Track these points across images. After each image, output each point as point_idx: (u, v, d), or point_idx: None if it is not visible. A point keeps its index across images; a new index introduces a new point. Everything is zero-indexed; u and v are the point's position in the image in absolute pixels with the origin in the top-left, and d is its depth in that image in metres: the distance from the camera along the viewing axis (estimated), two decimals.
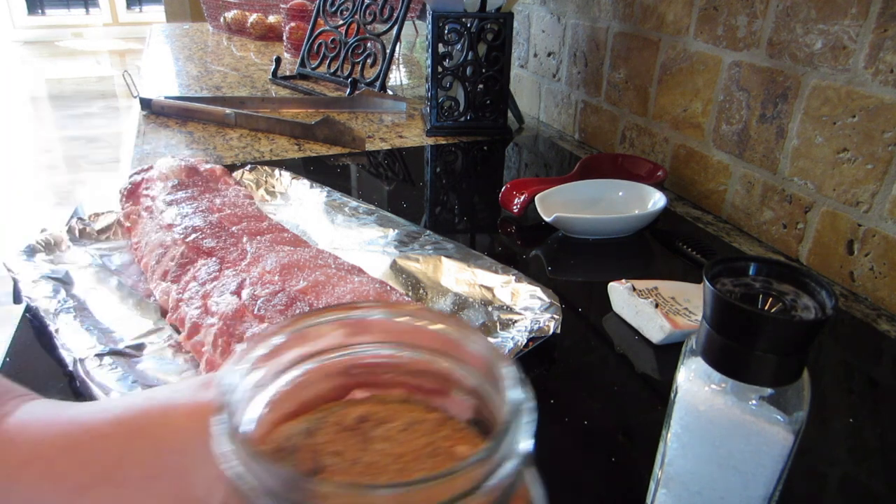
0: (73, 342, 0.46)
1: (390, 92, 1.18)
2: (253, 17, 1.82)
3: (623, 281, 0.55)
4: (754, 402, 0.28)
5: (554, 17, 1.07)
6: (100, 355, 0.44)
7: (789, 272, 0.28)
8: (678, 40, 0.81)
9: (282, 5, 1.59)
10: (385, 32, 1.16)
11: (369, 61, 1.21)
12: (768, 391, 0.28)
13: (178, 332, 0.49)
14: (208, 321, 0.46)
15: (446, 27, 0.96)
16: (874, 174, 0.59)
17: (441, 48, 0.98)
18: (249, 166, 0.78)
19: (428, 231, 0.65)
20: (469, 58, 0.97)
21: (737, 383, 0.28)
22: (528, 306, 0.52)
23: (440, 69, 0.99)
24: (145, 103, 1.08)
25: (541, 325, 0.48)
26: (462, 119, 1.03)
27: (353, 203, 0.71)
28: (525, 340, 0.47)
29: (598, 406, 0.44)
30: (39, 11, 6.46)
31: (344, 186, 0.80)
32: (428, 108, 1.04)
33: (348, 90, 1.17)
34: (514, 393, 0.20)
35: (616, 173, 0.79)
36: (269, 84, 1.32)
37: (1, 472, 0.24)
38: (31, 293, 0.52)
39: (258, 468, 0.18)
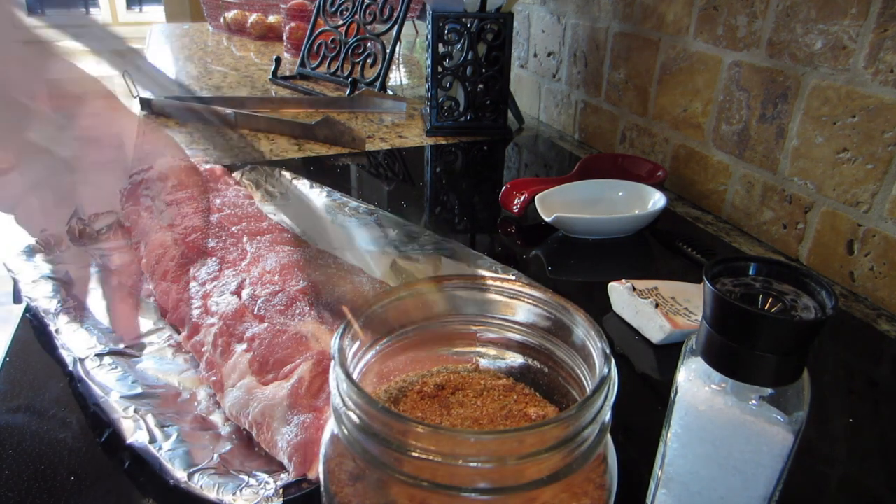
0: (73, 342, 0.46)
1: (390, 92, 1.18)
2: (253, 17, 1.82)
3: (623, 281, 0.55)
4: (754, 402, 0.28)
5: (554, 17, 1.07)
6: (100, 355, 0.44)
7: (789, 272, 0.28)
8: (678, 40, 0.81)
9: (282, 5, 1.59)
10: (385, 32, 1.16)
11: (369, 61, 1.21)
12: (768, 391, 0.28)
13: (178, 332, 0.49)
14: (208, 321, 0.46)
15: (446, 27, 0.96)
16: (874, 174, 0.59)
17: (441, 48, 0.98)
18: (249, 166, 0.78)
19: (428, 231, 0.65)
20: (469, 58, 0.97)
21: (737, 383, 0.28)
22: None
23: (440, 69, 0.99)
24: (145, 103, 1.08)
25: None
26: (462, 119, 1.03)
27: (353, 203, 0.71)
28: None
29: None
30: (39, 11, 6.46)
31: (344, 186, 0.80)
32: (428, 108, 1.04)
33: (348, 90, 1.17)
34: (602, 367, 0.22)
35: (616, 173, 0.79)
36: (269, 84, 1.32)
37: None
38: (31, 293, 0.52)
39: (366, 406, 0.20)
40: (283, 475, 0.36)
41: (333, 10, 1.26)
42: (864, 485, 0.40)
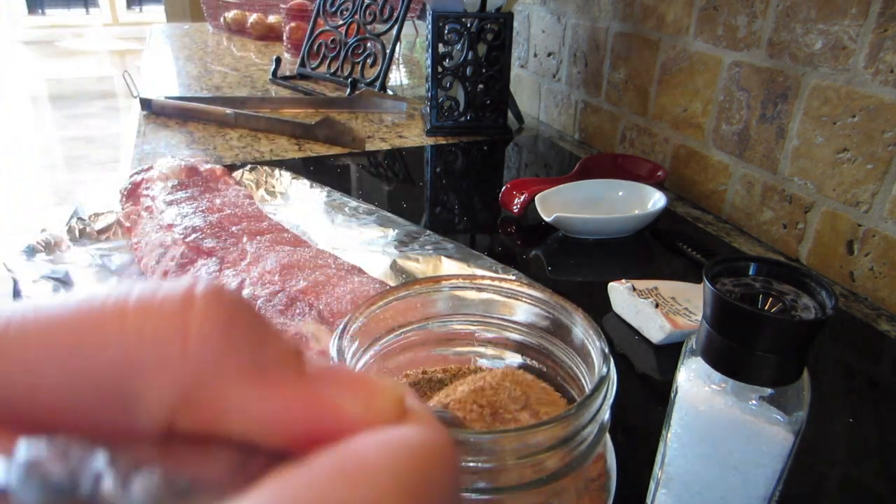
0: None
1: (390, 92, 1.18)
2: (253, 17, 1.82)
3: (623, 281, 0.55)
4: (754, 402, 0.28)
5: (554, 17, 1.07)
6: None
7: (789, 272, 0.28)
8: (678, 40, 0.81)
9: (282, 5, 1.59)
10: (385, 32, 1.16)
11: (369, 61, 1.21)
12: (768, 391, 0.28)
13: None
14: None
15: (446, 27, 0.96)
16: (874, 174, 0.59)
17: (441, 48, 0.98)
18: (249, 166, 0.78)
19: (428, 231, 0.65)
20: (469, 58, 0.97)
21: (737, 383, 0.28)
22: None
23: (440, 69, 0.99)
24: (145, 103, 1.08)
25: None
26: (462, 119, 1.03)
27: (353, 203, 0.71)
28: None
29: None
30: (39, 11, 6.46)
31: (344, 186, 0.80)
32: (428, 108, 1.04)
33: (348, 90, 1.17)
34: (601, 366, 0.22)
35: (616, 173, 0.79)
36: (269, 84, 1.32)
37: None
38: (31, 293, 0.52)
39: None
40: None
41: (333, 10, 1.26)
42: (864, 485, 0.40)
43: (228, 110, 1.03)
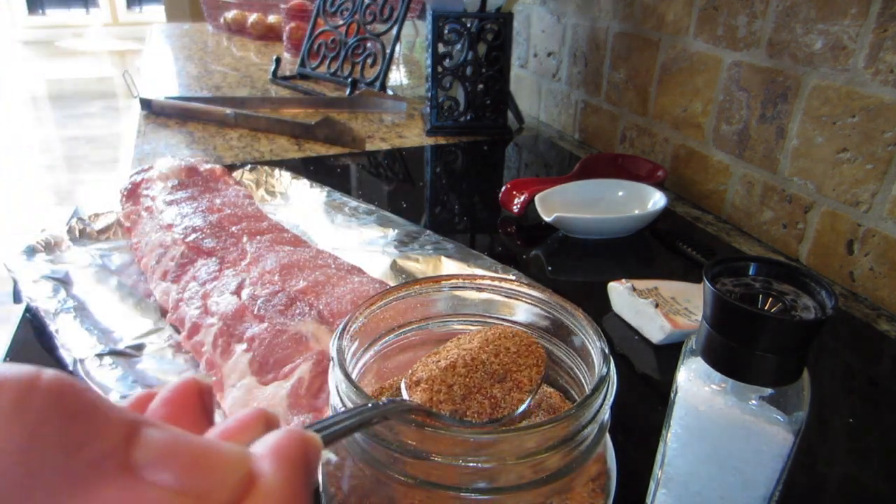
0: (73, 342, 0.46)
1: (390, 92, 1.18)
2: (253, 17, 1.82)
3: (623, 281, 0.55)
4: (754, 402, 0.28)
5: (554, 17, 1.07)
6: (100, 355, 0.44)
7: (789, 272, 0.28)
8: (678, 40, 0.81)
9: (282, 5, 1.59)
10: (385, 32, 1.16)
11: (369, 61, 1.21)
12: (768, 391, 0.28)
13: (178, 332, 0.49)
14: (208, 321, 0.46)
15: (446, 27, 0.96)
16: (874, 174, 0.59)
17: (441, 48, 0.98)
18: (249, 166, 0.78)
19: (428, 231, 0.65)
20: (469, 58, 0.97)
21: (737, 383, 0.28)
22: None
23: (440, 69, 0.99)
24: (145, 103, 1.08)
25: None
26: (462, 119, 1.03)
27: (353, 203, 0.71)
28: None
29: None
30: (39, 11, 6.46)
31: (344, 186, 0.80)
32: (428, 108, 1.04)
33: (348, 90, 1.17)
34: (601, 366, 0.22)
35: (616, 173, 0.79)
36: (269, 84, 1.32)
37: None
38: (31, 293, 0.52)
39: (359, 400, 0.20)
40: None
41: (333, 10, 1.26)
42: (864, 485, 0.40)
43: (228, 110, 1.03)
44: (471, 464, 0.20)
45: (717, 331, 0.27)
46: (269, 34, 1.81)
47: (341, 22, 1.24)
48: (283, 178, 0.77)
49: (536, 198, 0.71)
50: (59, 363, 0.46)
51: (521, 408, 0.24)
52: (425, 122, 1.07)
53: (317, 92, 1.24)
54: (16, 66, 5.35)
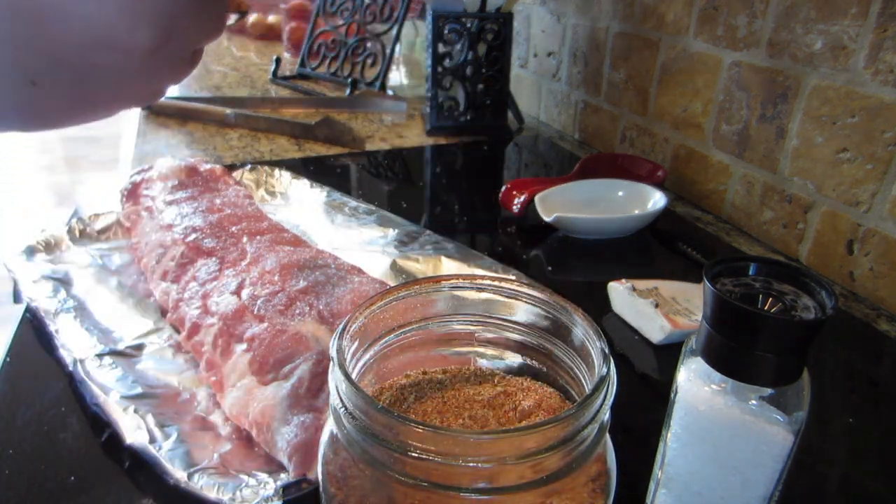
0: (73, 342, 0.46)
1: (390, 92, 1.18)
2: (253, 17, 1.82)
3: (623, 281, 0.55)
4: (754, 402, 0.28)
5: (554, 17, 1.07)
6: (100, 355, 0.44)
7: (789, 272, 0.28)
8: (678, 40, 0.81)
9: (282, 5, 1.59)
10: (385, 32, 1.16)
11: (369, 61, 1.21)
12: (768, 391, 0.28)
13: (178, 332, 0.49)
14: (208, 321, 0.46)
15: (446, 27, 0.96)
16: (874, 174, 0.59)
17: (441, 48, 0.98)
18: (249, 166, 0.78)
19: (428, 231, 0.65)
20: (469, 58, 0.97)
21: (737, 383, 0.28)
22: None
23: (440, 69, 0.99)
24: None
25: None
26: (462, 119, 1.03)
27: (353, 203, 0.71)
28: None
29: None
30: None
31: (344, 186, 0.80)
32: (428, 108, 1.04)
33: (348, 90, 1.17)
34: (601, 366, 0.22)
35: (616, 173, 0.79)
36: (269, 84, 1.32)
37: None
38: (31, 293, 0.52)
39: (365, 407, 0.20)
40: (282, 475, 0.36)
41: (333, 10, 1.26)
42: (864, 485, 0.40)
43: (228, 110, 1.03)
44: (471, 464, 0.20)
45: (717, 331, 0.27)
46: (269, 34, 1.81)
47: (341, 22, 1.24)
48: (283, 178, 0.77)
49: (536, 198, 0.71)
50: (59, 363, 0.46)
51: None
52: (425, 122, 1.07)
53: (317, 92, 1.24)
54: None
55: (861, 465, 0.41)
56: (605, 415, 0.23)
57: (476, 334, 0.30)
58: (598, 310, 0.56)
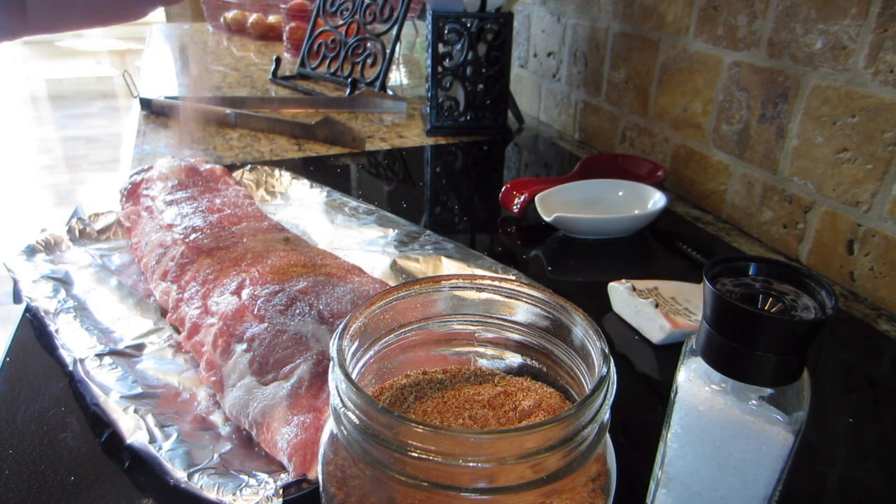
0: (73, 342, 0.46)
1: (390, 92, 1.18)
2: (253, 17, 1.82)
3: (623, 281, 0.55)
4: (754, 402, 0.28)
5: (554, 17, 1.07)
6: (100, 355, 0.44)
7: (789, 272, 0.28)
8: (678, 40, 0.81)
9: (282, 5, 1.59)
10: (385, 32, 1.16)
11: (369, 61, 1.21)
12: (768, 391, 0.28)
13: (178, 332, 0.49)
14: (208, 321, 0.46)
15: (446, 27, 0.96)
16: (874, 174, 0.59)
17: (441, 48, 0.98)
18: (249, 166, 0.78)
19: (428, 231, 0.65)
20: (469, 58, 0.97)
21: (737, 383, 0.28)
22: None
23: (440, 69, 0.99)
24: (145, 103, 1.08)
25: None
26: (462, 119, 1.03)
27: (353, 203, 0.71)
28: None
29: None
30: None
31: (344, 186, 0.80)
32: (428, 108, 1.04)
33: (348, 90, 1.17)
34: (601, 366, 0.22)
35: (616, 173, 0.79)
36: (269, 84, 1.32)
37: None
38: (31, 293, 0.52)
39: (365, 406, 0.20)
40: (282, 475, 0.36)
41: (333, 10, 1.26)
42: (864, 485, 0.40)
43: (228, 110, 1.03)
44: (471, 464, 0.20)
45: (717, 331, 0.27)
46: (269, 34, 1.81)
47: (341, 22, 1.24)
48: (283, 178, 0.77)
49: (536, 198, 0.71)
50: (59, 363, 0.46)
51: None
52: (425, 122, 1.07)
53: (317, 92, 1.24)
54: (16, 65, 5.35)
55: (861, 465, 0.41)
56: (605, 415, 0.23)
57: (476, 334, 0.30)
58: (598, 310, 0.56)
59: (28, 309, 0.51)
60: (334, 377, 0.23)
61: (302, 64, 1.33)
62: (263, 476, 0.35)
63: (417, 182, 0.88)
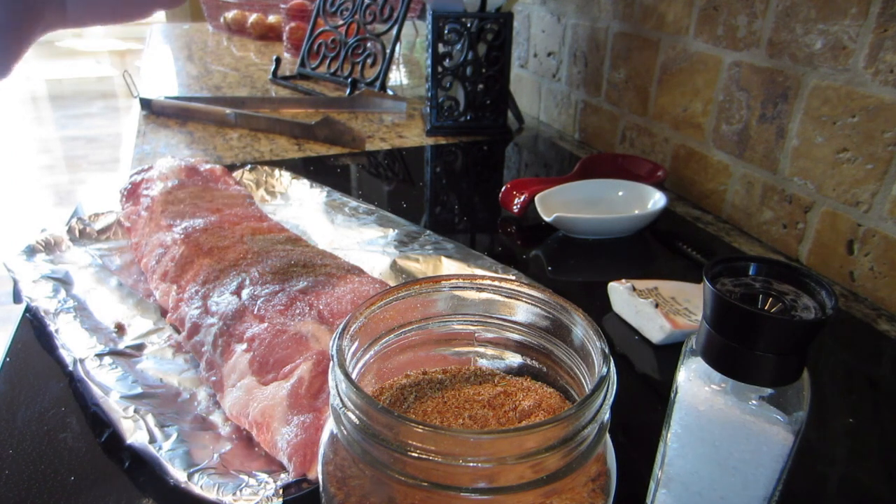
0: (73, 342, 0.46)
1: (390, 92, 1.18)
2: (253, 17, 1.82)
3: (623, 281, 0.55)
4: (754, 402, 0.28)
5: (554, 17, 1.07)
6: (100, 355, 0.44)
7: (789, 272, 0.28)
8: (678, 40, 0.81)
9: (282, 5, 1.59)
10: (385, 32, 1.16)
11: (369, 61, 1.21)
12: (768, 391, 0.28)
13: (178, 332, 0.49)
14: (208, 321, 0.46)
15: (446, 27, 0.96)
16: (874, 174, 0.59)
17: (441, 48, 0.98)
18: (249, 166, 0.78)
19: (428, 231, 0.65)
20: (469, 58, 0.97)
21: (737, 383, 0.28)
22: None
23: (440, 69, 0.99)
24: (145, 103, 1.08)
25: None
26: (462, 119, 1.03)
27: (353, 203, 0.71)
28: None
29: None
30: None
31: (344, 186, 0.80)
32: (428, 108, 1.04)
33: (348, 90, 1.17)
34: (601, 366, 0.22)
35: (616, 173, 0.79)
36: (269, 84, 1.32)
37: None
38: (31, 293, 0.52)
39: (365, 406, 0.20)
40: (282, 475, 0.36)
41: (333, 10, 1.26)
42: (864, 485, 0.40)
43: (228, 110, 1.03)
44: (471, 464, 0.20)
45: (717, 331, 0.27)
46: (269, 34, 1.81)
47: (341, 22, 1.24)
48: (283, 178, 0.77)
49: (536, 198, 0.71)
50: (59, 363, 0.46)
51: None
52: (425, 122, 1.07)
53: (317, 92, 1.24)
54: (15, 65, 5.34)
55: (861, 465, 0.41)
56: (605, 415, 0.23)
57: (476, 334, 0.30)
58: (598, 310, 0.56)
59: (28, 309, 0.51)
60: (334, 377, 0.23)
61: (302, 64, 1.33)
62: (263, 476, 0.35)
63: (417, 182, 0.88)
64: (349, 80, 1.18)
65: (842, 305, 0.61)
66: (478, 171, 0.94)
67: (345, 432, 0.22)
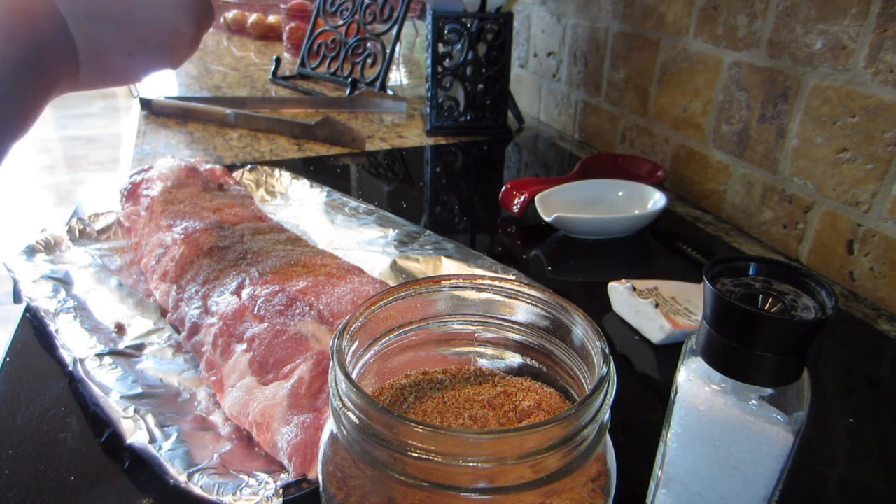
0: (73, 342, 0.46)
1: (390, 92, 1.18)
2: (253, 17, 1.82)
3: (623, 281, 0.55)
4: (754, 402, 0.28)
5: (554, 17, 1.07)
6: (100, 355, 0.44)
7: (789, 272, 0.28)
8: (678, 40, 0.81)
9: (282, 5, 1.59)
10: (385, 32, 1.16)
11: (369, 61, 1.21)
12: (768, 391, 0.28)
13: (178, 332, 0.49)
14: (208, 321, 0.46)
15: (446, 27, 0.96)
16: (874, 174, 0.59)
17: (441, 48, 0.98)
18: (249, 166, 0.78)
19: (428, 231, 0.65)
20: (469, 58, 0.97)
21: (737, 383, 0.28)
22: None
23: (440, 69, 0.99)
24: (145, 103, 1.08)
25: None
26: (462, 119, 1.03)
27: (353, 203, 0.71)
28: None
29: None
30: None
31: (344, 186, 0.80)
32: (428, 108, 1.04)
33: (348, 90, 1.17)
34: (601, 366, 0.22)
35: (616, 173, 0.79)
36: (269, 84, 1.32)
37: None
38: (31, 293, 0.52)
39: (365, 406, 0.20)
40: (283, 475, 0.36)
41: (333, 10, 1.26)
42: (864, 485, 0.40)
43: (228, 110, 1.03)
44: (471, 464, 0.20)
45: (717, 331, 0.27)
46: (269, 34, 1.81)
47: (341, 22, 1.24)
48: (283, 178, 0.77)
49: (536, 198, 0.71)
50: (59, 363, 0.46)
51: None
52: (425, 122, 1.07)
53: (317, 92, 1.24)
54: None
55: (861, 465, 0.41)
56: (605, 415, 0.23)
57: (476, 334, 0.30)
58: (598, 310, 0.56)
59: (28, 309, 0.51)
60: (334, 377, 0.23)
61: (302, 64, 1.33)
62: (263, 476, 0.35)
63: (417, 182, 0.88)
64: (349, 80, 1.18)
65: (842, 305, 0.61)
66: (478, 171, 0.94)
67: (345, 432, 0.22)
